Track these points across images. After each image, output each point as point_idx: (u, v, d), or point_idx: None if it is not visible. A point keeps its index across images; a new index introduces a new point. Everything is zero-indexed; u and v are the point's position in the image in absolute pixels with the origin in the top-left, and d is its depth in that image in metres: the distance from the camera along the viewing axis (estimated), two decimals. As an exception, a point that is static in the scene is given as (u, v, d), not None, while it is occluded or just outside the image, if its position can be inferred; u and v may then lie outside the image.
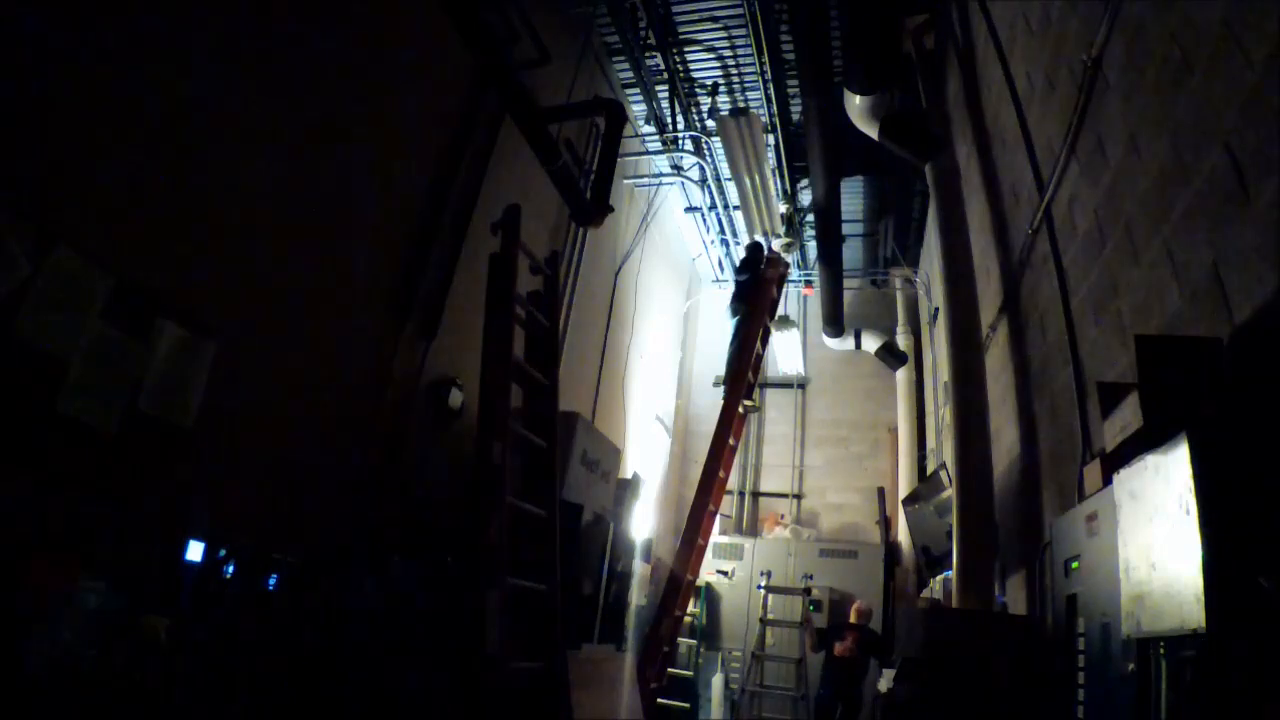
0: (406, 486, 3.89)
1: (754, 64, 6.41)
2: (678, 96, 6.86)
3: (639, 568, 5.91)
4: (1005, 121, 4.09)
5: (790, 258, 7.98)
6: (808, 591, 6.69)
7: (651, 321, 8.27)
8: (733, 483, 8.09)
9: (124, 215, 2.49)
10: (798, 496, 9.08)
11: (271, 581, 2.86)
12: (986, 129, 4.69)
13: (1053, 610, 2.34)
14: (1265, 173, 1.63)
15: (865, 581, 7.55)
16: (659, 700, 5.81)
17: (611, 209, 5.39)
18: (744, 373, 6.49)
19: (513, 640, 3.00)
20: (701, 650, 7.63)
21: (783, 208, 7.78)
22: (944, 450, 5.59)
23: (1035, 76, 3.54)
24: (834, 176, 6.60)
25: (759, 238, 7.66)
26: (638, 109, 7.24)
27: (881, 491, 8.42)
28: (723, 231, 8.94)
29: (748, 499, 9.16)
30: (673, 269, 9.10)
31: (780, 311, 7.62)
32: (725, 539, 8.27)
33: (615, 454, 5.69)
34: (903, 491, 7.64)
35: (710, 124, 6.98)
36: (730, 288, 7.81)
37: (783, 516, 8.87)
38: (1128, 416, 1.76)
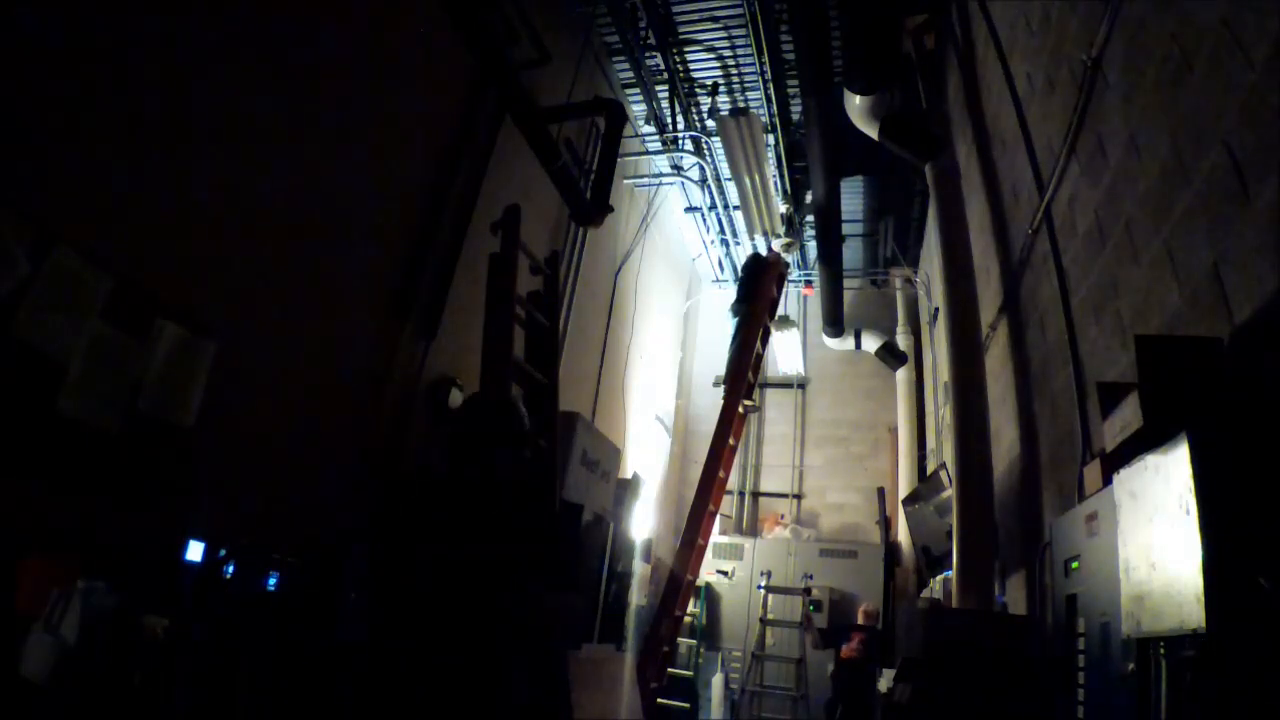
0: (407, 484, 3.89)
1: (754, 64, 6.42)
2: (678, 96, 6.86)
3: (639, 568, 5.91)
4: (1005, 121, 4.09)
5: (790, 258, 7.97)
6: (808, 591, 6.69)
7: (651, 321, 8.26)
8: (733, 483, 8.09)
9: (124, 215, 2.49)
10: (798, 496, 9.08)
11: (271, 581, 2.86)
12: (986, 129, 4.69)
13: (1053, 610, 2.33)
14: (1265, 173, 1.63)
15: (865, 581, 7.54)
16: (659, 700, 5.80)
17: (611, 209, 5.40)
18: (744, 373, 6.48)
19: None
20: (701, 650, 7.64)
21: (783, 207, 7.77)
22: (944, 450, 5.58)
23: (1035, 76, 3.54)
24: (834, 176, 6.60)
25: (759, 244, 7.65)
26: (638, 109, 7.24)
27: (881, 491, 8.41)
28: (723, 231, 8.93)
29: (748, 499, 9.16)
30: (673, 269, 9.10)
31: (780, 311, 7.61)
32: (725, 539, 8.27)
33: (615, 454, 5.69)
34: (903, 491, 7.63)
35: (710, 124, 6.98)
36: (730, 288, 7.81)
37: (783, 516, 8.87)
38: (1128, 416, 1.76)
